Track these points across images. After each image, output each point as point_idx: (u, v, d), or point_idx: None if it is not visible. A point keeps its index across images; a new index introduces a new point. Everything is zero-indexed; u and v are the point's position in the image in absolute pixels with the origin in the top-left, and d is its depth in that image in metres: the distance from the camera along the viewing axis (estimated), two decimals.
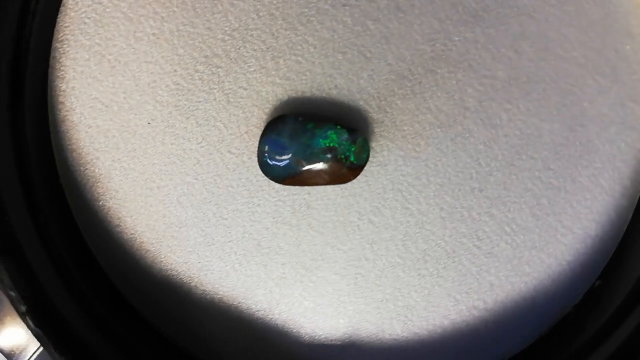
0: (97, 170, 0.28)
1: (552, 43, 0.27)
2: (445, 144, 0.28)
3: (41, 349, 0.25)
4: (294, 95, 0.28)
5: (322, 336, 0.29)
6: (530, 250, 0.28)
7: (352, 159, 0.26)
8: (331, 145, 0.26)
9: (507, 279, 0.28)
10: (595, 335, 0.28)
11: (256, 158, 0.27)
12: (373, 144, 0.28)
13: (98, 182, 0.28)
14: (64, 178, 0.29)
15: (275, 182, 0.27)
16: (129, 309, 0.29)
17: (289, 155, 0.26)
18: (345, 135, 0.26)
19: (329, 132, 0.26)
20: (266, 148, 0.26)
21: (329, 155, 0.26)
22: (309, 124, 0.26)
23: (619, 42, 0.27)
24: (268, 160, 0.26)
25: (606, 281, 0.28)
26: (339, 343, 0.29)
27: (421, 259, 0.28)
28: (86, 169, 0.28)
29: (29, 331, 0.24)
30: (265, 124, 0.27)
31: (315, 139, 0.26)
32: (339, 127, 0.26)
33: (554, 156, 0.28)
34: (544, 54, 0.27)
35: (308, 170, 0.26)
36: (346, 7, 0.27)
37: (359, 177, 0.28)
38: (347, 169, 0.26)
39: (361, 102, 0.28)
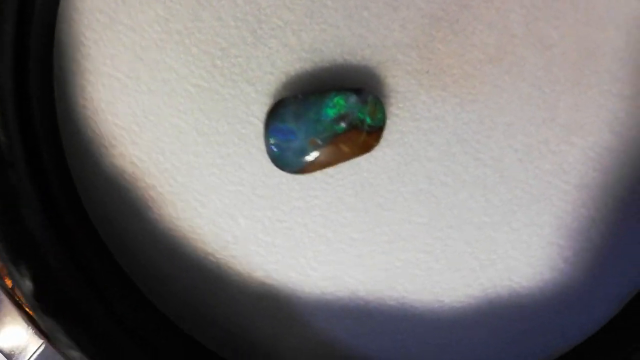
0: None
1: None
2: (501, 79, 0.25)
3: (41, 348, 0.24)
4: (327, 65, 0.25)
5: (420, 320, 0.25)
6: None
7: (368, 121, 0.23)
8: (342, 112, 0.23)
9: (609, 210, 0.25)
10: None
11: None
12: (424, 97, 0.25)
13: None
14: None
15: (294, 173, 0.24)
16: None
17: (300, 138, 0.23)
18: (354, 98, 0.23)
19: (335, 99, 0.23)
20: (273, 140, 0.23)
21: (343, 124, 0.23)
22: (312, 97, 0.23)
23: None
24: (279, 152, 0.23)
25: None
26: (440, 321, 0.25)
27: (509, 210, 0.25)
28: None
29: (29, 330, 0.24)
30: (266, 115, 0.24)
31: (322, 111, 0.23)
32: (343, 90, 0.23)
33: (620, 65, 0.25)
34: None
35: (325, 148, 0.23)
36: None
37: (418, 136, 0.25)
38: (366, 134, 0.24)
39: (400, 56, 0.25)
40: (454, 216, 0.25)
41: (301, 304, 0.25)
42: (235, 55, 0.25)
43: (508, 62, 0.25)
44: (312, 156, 0.23)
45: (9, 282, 0.24)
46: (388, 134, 0.25)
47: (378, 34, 0.25)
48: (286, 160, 0.24)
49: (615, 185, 0.25)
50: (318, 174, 0.25)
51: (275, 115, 0.24)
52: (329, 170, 0.25)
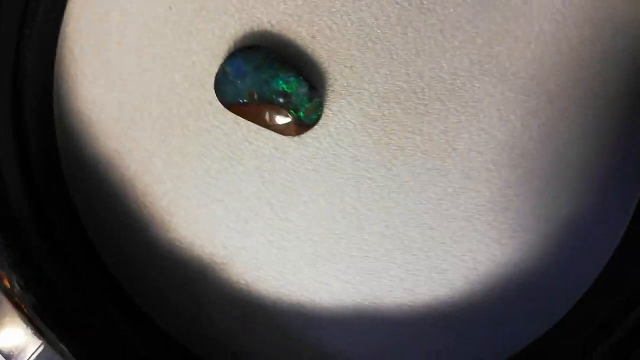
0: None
1: (557, 134, 0.28)
2: (419, 171, 0.28)
3: (40, 349, 0.24)
4: (310, 54, 0.28)
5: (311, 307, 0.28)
6: None
7: (301, 114, 0.26)
8: (288, 91, 0.26)
9: None
10: None
11: None
12: (357, 138, 0.28)
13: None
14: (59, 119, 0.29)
15: (222, 104, 0.26)
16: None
17: (245, 84, 0.26)
18: (305, 89, 0.26)
19: (291, 79, 0.26)
20: (228, 69, 0.26)
21: (281, 100, 0.26)
22: (276, 63, 0.26)
23: None
24: (223, 80, 0.26)
25: None
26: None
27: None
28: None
29: (28, 331, 0.24)
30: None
31: (275, 79, 0.26)
32: (302, 78, 0.26)
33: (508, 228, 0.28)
34: (548, 138, 0.28)
35: (256, 105, 0.26)
36: (396, 6, 0.28)
37: (328, 156, 0.28)
38: (293, 122, 0.26)
39: (366, 94, 0.28)
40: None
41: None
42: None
43: (434, 164, 0.28)
44: (242, 103, 0.26)
45: (7, 283, 0.25)
46: (311, 135, 0.28)
47: (364, 65, 0.28)
48: (224, 90, 0.27)
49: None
50: (242, 134, 0.28)
51: (245, 53, 0.26)
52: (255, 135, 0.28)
